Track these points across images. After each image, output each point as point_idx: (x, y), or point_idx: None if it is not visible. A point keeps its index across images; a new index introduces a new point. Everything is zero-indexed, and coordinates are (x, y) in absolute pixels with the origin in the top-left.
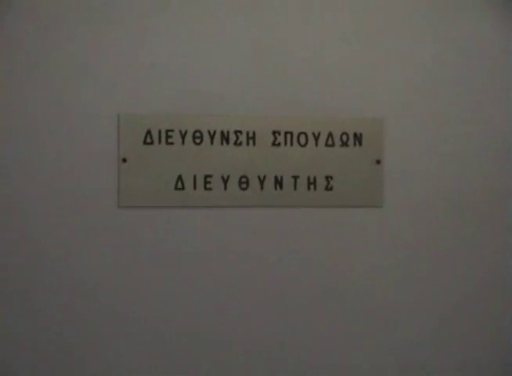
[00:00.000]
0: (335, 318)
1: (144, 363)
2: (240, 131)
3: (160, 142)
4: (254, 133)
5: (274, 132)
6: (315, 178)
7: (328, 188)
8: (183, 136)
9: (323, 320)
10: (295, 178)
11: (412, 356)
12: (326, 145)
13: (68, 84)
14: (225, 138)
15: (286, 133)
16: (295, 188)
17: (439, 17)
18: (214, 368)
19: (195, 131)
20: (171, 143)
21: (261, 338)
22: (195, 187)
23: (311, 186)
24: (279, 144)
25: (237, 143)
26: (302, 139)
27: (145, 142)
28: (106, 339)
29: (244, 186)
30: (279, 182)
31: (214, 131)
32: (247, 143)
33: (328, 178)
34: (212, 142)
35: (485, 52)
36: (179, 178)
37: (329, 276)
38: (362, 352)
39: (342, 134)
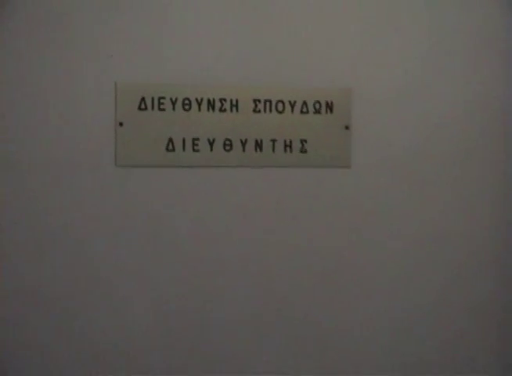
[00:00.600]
0: (308, 275)
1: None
2: (225, 99)
3: (153, 108)
4: (237, 101)
5: (255, 100)
6: (291, 142)
7: (302, 150)
8: (174, 103)
9: (297, 273)
10: (273, 141)
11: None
12: (301, 112)
13: (70, 56)
14: (211, 105)
15: (265, 101)
16: (273, 150)
17: None
18: (212, 331)
19: (184, 99)
20: (163, 109)
21: (246, 283)
22: (184, 149)
23: (288, 149)
24: (259, 111)
25: (222, 110)
26: (280, 107)
27: (139, 108)
28: (100, 293)
29: (228, 148)
30: (259, 145)
31: (202, 99)
32: (231, 110)
33: (302, 141)
34: (200, 109)
35: (460, 28)
36: (170, 140)
37: (303, 228)
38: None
39: (315, 102)
